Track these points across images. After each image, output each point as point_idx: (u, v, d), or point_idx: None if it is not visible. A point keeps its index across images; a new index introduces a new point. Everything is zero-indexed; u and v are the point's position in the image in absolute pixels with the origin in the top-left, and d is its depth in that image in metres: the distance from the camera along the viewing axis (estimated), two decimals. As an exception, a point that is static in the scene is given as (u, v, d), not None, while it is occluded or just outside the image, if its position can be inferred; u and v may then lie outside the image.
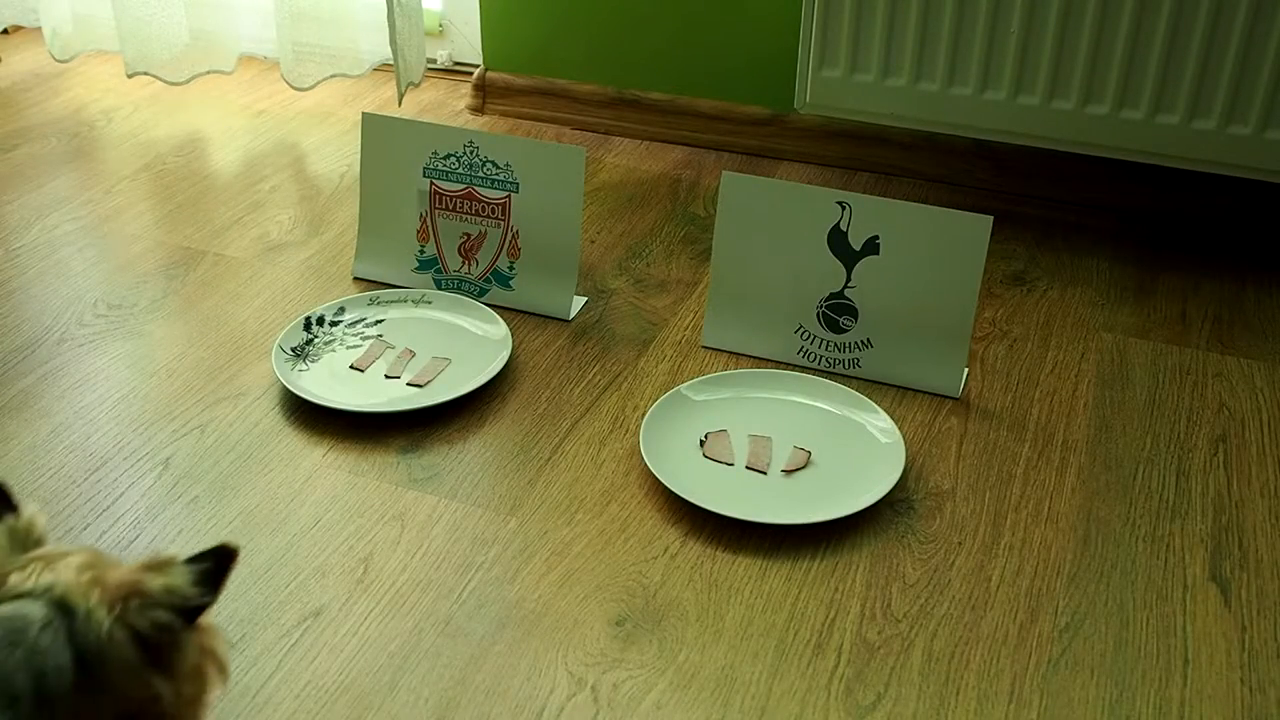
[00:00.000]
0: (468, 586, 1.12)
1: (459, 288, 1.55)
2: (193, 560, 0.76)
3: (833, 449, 1.28)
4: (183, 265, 1.63)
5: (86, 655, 0.71)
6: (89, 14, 2.18)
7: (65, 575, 0.73)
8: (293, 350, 1.42)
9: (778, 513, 1.18)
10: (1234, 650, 1.06)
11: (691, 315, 1.53)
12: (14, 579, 0.73)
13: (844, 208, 1.37)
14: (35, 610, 0.71)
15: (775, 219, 1.40)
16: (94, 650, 0.71)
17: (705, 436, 1.29)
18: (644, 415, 1.30)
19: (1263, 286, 1.61)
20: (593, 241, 1.70)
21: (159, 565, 0.75)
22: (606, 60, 2.00)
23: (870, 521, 1.19)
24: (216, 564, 0.75)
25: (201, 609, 0.75)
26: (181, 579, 0.75)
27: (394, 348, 1.43)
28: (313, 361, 1.41)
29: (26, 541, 0.77)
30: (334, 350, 1.43)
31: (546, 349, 1.46)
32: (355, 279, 1.60)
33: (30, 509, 0.79)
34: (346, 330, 1.46)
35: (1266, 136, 1.55)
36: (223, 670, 0.79)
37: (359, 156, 1.59)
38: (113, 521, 1.18)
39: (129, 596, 0.73)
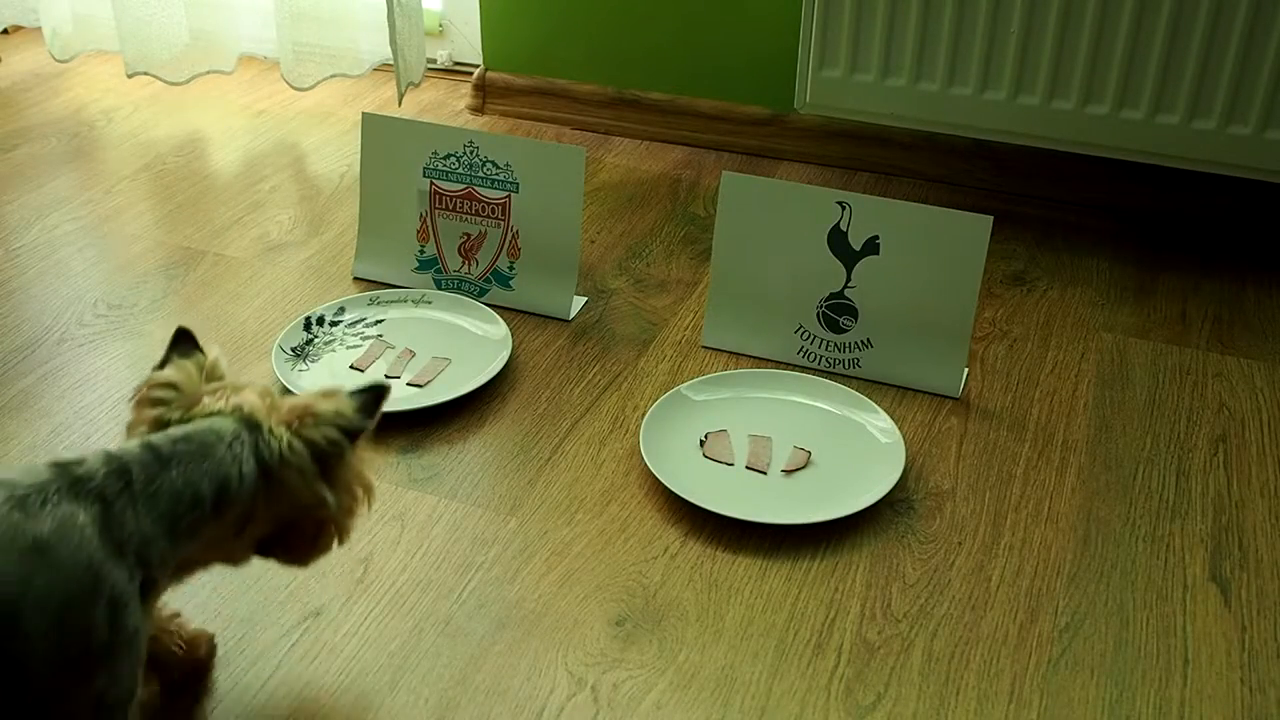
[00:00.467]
0: (468, 586, 1.12)
1: (459, 288, 1.55)
2: (355, 393, 0.90)
3: (833, 449, 1.28)
4: (183, 265, 1.63)
5: (269, 464, 0.85)
6: (89, 14, 2.18)
7: (250, 398, 0.87)
8: (293, 350, 1.42)
9: (778, 513, 1.18)
10: (1234, 650, 1.06)
11: (691, 315, 1.53)
12: (206, 400, 0.87)
13: (844, 208, 1.37)
14: (227, 425, 0.85)
15: (775, 219, 1.40)
16: (275, 460, 0.85)
17: (705, 436, 1.29)
18: (644, 415, 1.31)
19: (1263, 286, 1.61)
20: (593, 241, 1.70)
21: (328, 394, 0.90)
22: (606, 60, 2.00)
23: (870, 521, 1.19)
24: (373, 396, 0.90)
25: (361, 431, 0.89)
26: (347, 405, 0.89)
27: (394, 348, 1.43)
28: (313, 361, 1.41)
29: (212, 375, 0.91)
30: (334, 350, 1.43)
31: (546, 349, 1.46)
32: (355, 279, 1.60)
33: (215, 350, 0.93)
34: (346, 330, 1.46)
35: (1266, 136, 1.55)
36: (369, 491, 0.93)
37: (359, 156, 1.59)
38: (113, 521, 1.18)
39: (304, 416, 0.87)
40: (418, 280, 1.57)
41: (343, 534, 0.92)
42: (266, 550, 0.92)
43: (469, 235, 1.54)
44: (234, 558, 0.91)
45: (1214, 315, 1.54)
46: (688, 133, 2.00)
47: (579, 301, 1.54)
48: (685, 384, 1.36)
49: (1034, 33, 1.58)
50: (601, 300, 1.56)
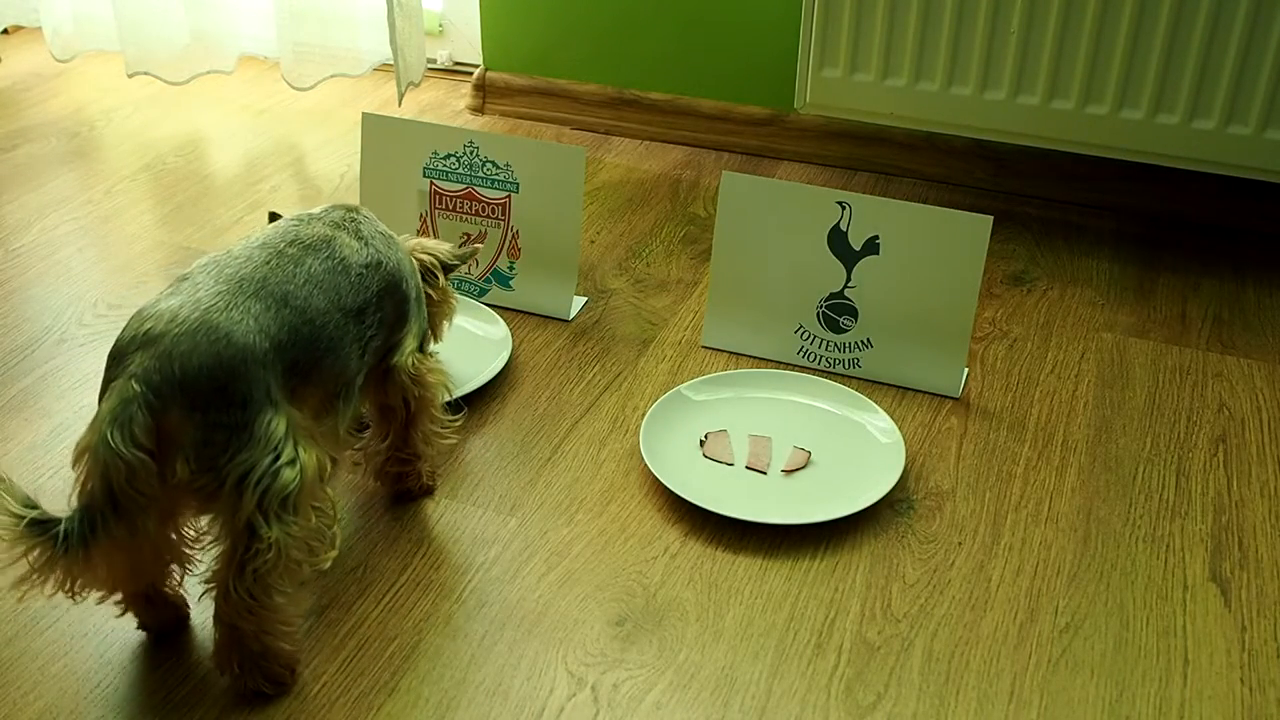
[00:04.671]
0: (468, 586, 1.12)
1: (459, 288, 1.55)
2: (457, 246, 1.28)
3: (833, 449, 1.28)
4: (183, 265, 1.63)
5: (424, 270, 1.21)
6: (89, 14, 2.18)
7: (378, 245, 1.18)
8: (293, 350, 1.41)
9: (778, 513, 1.18)
10: (1234, 650, 1.06)
11: (691, 315, 1.53)
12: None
13: (844, 208, 1.37)
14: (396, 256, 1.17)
15: (775, 219, 1.40)
16: (414, 268, 1.19)
17: (705, 436, 1.29)
18: (644, 415, 1.31)
19: (1263, 286, 1.61)
20: (593, 241, 1.70)
21: (431, 243, 1.26)
22: (606, 60, 2.00)
23: (870, 521, 1.19)
24: (468, 252, 1.29)
25: (452, 263, 1.25)
26: (443, 250, 1.25)
27: (394, 348, 1.43)
28: (313, 361, 1.41)
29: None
30: (334, 350, 1.43)
31: (546, 349, 1.46)
32: (355, 279, 1.60)
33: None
34: (346, 330, 1.46)
35: (1266, 136, 1.55)
36: (454, 303, 1.28)
37: (359, 156, 1.59)
38: (113, 521, 1.18)
39: (413, 251, 1.21)
40: (418, 280, 1.57)
41: (440, 330, 1.26)
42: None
43: (469, 235, 1.54)
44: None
45: (1214, 315, 1.54)
46: (688, 133, 2.00)
47: (579, 301, 1.54)
48: (685, 384, 1.36)
49: (1034, 33, 1.58)
50: (601, 300, 1.56)
